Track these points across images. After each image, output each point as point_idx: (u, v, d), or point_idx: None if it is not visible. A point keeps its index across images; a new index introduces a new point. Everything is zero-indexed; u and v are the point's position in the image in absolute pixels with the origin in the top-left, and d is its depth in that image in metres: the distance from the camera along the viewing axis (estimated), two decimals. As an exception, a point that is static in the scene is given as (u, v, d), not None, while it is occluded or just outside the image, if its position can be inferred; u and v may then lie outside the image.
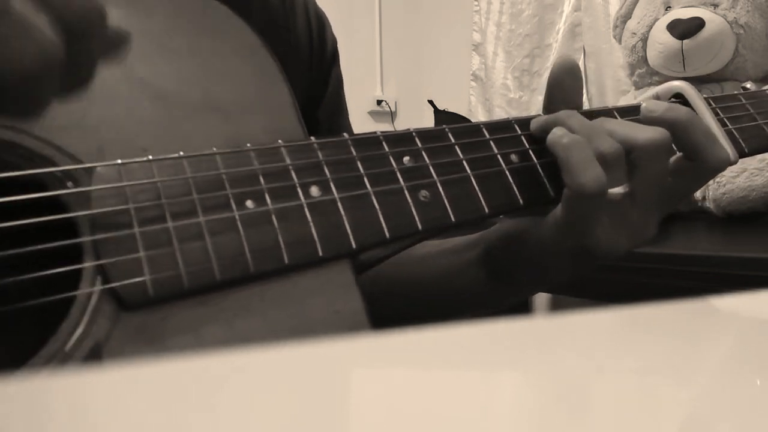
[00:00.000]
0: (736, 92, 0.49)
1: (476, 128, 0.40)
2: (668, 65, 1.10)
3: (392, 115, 2.32)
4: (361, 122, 2.00)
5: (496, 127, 0.41)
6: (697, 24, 1.05)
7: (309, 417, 0.16)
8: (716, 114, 0.46)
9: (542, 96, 0.44)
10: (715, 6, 1.07)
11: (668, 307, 0.25)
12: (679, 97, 0.46)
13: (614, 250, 0.41)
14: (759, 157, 0.87)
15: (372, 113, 2.30)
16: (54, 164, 0.31)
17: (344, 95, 0.61)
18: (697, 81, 1.06)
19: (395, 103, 2.34)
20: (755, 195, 0.86)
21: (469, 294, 0.48)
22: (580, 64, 1.75)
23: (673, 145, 0.41)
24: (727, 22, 1.05)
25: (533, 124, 0.41)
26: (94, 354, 0.28)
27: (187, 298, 0.30)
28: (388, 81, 2.36)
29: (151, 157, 0.32)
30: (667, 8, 1.12)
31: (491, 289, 0.47)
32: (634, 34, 1.15)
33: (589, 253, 0.41)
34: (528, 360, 0.21)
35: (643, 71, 1.17)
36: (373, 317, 0.52)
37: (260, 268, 0.31)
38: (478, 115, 2.02)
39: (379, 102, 2.31)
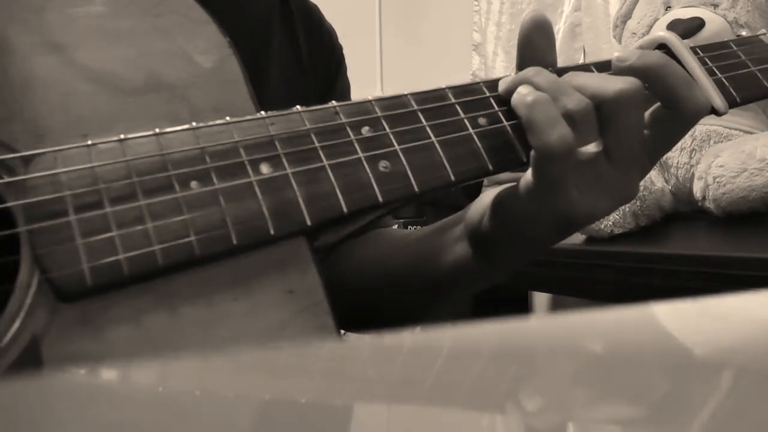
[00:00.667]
0: (726, 39, 0.46)
1: (441, 93, 0.38)
2: (668, 65, 1.10)
3: (392, 115, 2.32)
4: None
5: (462, 90, 0.39)
6: (698, 24, 1.05)
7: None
8: (704, 63, 0.43)
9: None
10: (715, 6, 1.07)
11: (668, 307, 0.25)
12: (665, 49, 0.43)
13: (594, 213, 0.39)
14: (759, 157, 0.86)
15: (372, 113, 2.30)
16: None
17: None
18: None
19: (395, 103, 2.34)
20: (755, 195, 0.86)
21: (457, 273, 0.47)
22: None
23: (655, 95, 0.39)
24: (727, 22, 1.05)
25: (501, 85, 0.39)
26: (32, 347, 0.27)
27: (129, 286, 0.29)
28: (388, 81, 2.35)
29: (89, 142, 0.30)
30: (667, 8, 1.12)
31: (478, 265, 0.46)
32: (634, 34, 1.15)
33: (568, 217, 0.39)
34: (527, 362, 0.21)
35: (643, 71, 1.16)
36: (371, 313, 0.52)
37: (206, 250, 0.30)
38: (478, 115, 2.02)
39: (379, 102, 2.31)
